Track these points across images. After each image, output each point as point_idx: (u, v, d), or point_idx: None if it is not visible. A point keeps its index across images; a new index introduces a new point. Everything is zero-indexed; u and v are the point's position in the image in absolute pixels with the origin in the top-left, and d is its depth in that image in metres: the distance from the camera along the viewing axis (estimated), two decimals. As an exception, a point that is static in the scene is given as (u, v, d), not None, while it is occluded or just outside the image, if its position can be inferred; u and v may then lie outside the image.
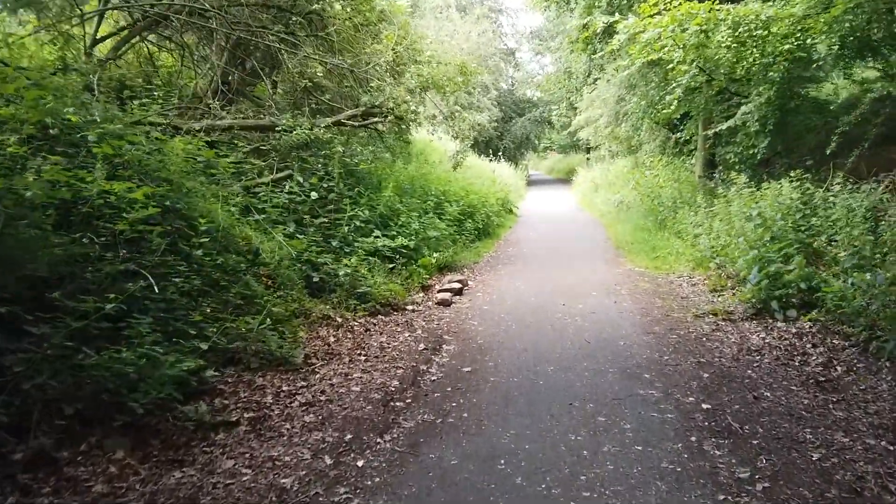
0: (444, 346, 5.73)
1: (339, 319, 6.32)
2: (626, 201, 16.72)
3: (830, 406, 4.13)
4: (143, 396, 3.78)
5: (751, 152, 10.00)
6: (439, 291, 7.77)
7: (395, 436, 3.90)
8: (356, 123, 9.13)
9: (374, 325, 6.37)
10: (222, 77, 9.36)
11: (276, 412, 4.20)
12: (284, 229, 7.25)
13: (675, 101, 10.13)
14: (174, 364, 3.98)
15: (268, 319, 5.36)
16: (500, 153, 31.15)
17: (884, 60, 9.66)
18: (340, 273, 6.88)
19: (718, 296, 7.39)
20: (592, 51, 14.08)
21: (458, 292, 7.83)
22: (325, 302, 6.73)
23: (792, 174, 8.11)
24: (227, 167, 7.48)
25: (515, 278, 8.84)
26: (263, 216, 7.14)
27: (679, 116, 16.48)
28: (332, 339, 5.79)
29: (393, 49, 9.42)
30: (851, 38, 8.32)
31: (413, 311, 7.02)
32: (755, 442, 3.66)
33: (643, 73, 13.27)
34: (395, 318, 6.70)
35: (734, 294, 7.29)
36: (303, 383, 4.71)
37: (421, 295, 7.69)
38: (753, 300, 6.50)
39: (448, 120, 10.93)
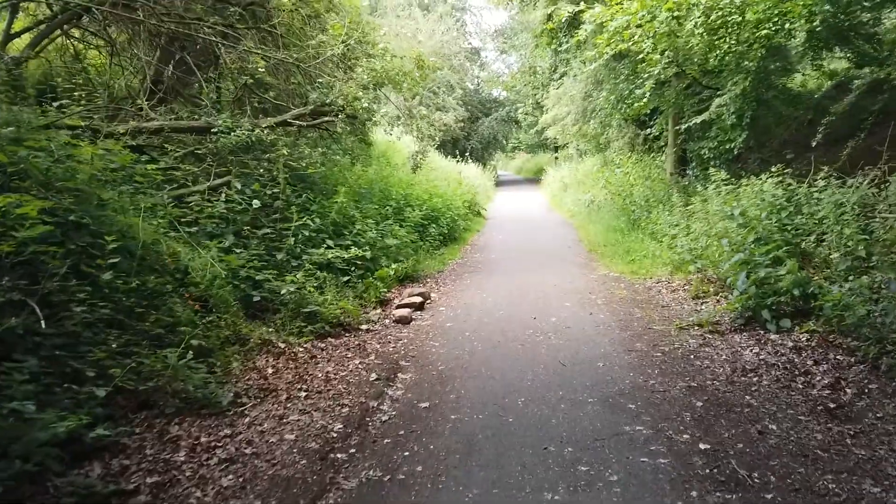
0: (399, 374, 5.00)
1: (282, 345, 5.54)
2: (596, 201, 16.21)
3: (848, 441, 3.51)
4: (6, 468, 2.97)
5: (726, 147, 9.50)
6: (398, 307, 7.04)
7: (331, 502, 3.16)
8: (305, 123, 8.34)
9: (322, 350, 5.61)
10: (155, 75, 8.51)
11: (187, 474, 3.41)
12: (221, 243, 6.45)
13: (647, 95, 9.55)
14: (48, 425, 3.17)
15: (190, 352, 4.56)
16: (467, 154, 30.56)
17: (855, 49, 9.24)
18: (284, 291, 6.10)
19: (702, 303, 6.81)
20: (557, 45, 13.50)
21: (420, 307, 7.10)
22: (267, 324, 5.95)
23: (773, 169, 7.57)
24: (155, 174, 6.67)
25: (482, 288, 8.16)
26: (196, 229, 6.33)
27: (648, 112, 16.03)
28: (270, 370, 5.02)
29: (343, 42, 8.65)
30: (827, 25, 7.86)
31: (368, 330, 6.27)
32: (769, 496, 3.01)
33: (611, 66, 12.72)
34: (347, 340, 5.94)
35: (719, 301, 6.72)
36: (227, 431, 3.93)
37: (378, 311, 6.95)
38: (742, 309, 5.91)
39: (407, 119, 10.15)
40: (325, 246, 7.26)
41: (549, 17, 12.36)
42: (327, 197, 8.24)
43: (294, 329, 5.89)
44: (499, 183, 35.85)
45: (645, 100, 9.77)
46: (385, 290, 7.54)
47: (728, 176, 7.69)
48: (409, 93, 9.90)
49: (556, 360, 5.11)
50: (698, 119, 9.48)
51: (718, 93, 9.54)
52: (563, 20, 10.60)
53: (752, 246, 6.43)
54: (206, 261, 5.89)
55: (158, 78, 8.61)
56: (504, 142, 44.32)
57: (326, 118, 8.40)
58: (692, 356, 5.13)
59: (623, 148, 19.21)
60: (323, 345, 5.74)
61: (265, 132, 7.66)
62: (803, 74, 10.55)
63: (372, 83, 8.33)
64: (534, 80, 15.86)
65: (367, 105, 8.13)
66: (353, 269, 7.44)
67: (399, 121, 9.90)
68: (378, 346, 5.73)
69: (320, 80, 8.32)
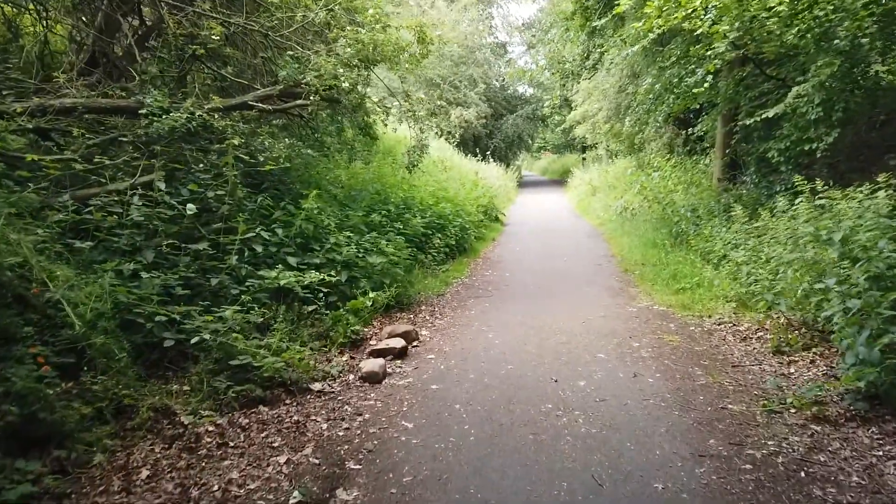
0: (339, 491, 3.20)
1: (185, 420, 3.79)
2: (630, 208, 14.26)
3: None
4: None
5: (804, 149, 7.51)
6: (371, 353, 5.25)
7: None
8: (271, 107, 6.60)
9: (242, 430, 3.84)
10: (99, 46, 6.89)
11: None
12: (133, 263, 4.74)
13: (707, 79, 7.64)
14: None
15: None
16: (488, 152, 28.72)
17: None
18: (207, 334, 4.36)
19: (789, 362, 4.91)
20: (591, 26, 11.56)
21: (401, 353, 5.30)
22: (176, 383, 4.22)
23: (880, 178, 5.61)
24: (51, 166, 5.02)
25: (488, 324, 6.33)
26: (90, 244, 4.64)
27: (694, 109, 14.05)
28: (145, 470, 3.27)
29: (327, 8, 6.90)
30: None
31: (320, 393, 4.50)
32: None
33: (654, 51, 10.79)
34: (285, 410, 4.17)
35: (815, 362, 4.81)
36: None
37: (343, 359, 5.16)
38: (863, 386, 4.00)
39: (404, 105, 8.34)
40: (279, 267, 5.49)
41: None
42: (296, 201, 6.49)
43: (210, 391, 4.14)
44: (522, 184, 33.95)
45: (706, 85, 7.83)
46: (359, 325, 5.76)
47: (823, 184, 5.75)
48: (407, 72, 8.08)
49: (588, 474, 3.27)
50: (769, 112, 7.51)
51: (798, 80, 7.58)
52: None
53: (868, 288, 4.51)
54: (94, 290, 4.19)
55: (103, 50, 6.98)
56: (529, 141, 42.39)
57: (299, 101, 6.65)
58: (802, 471, 3.25)
59: (661, 149, 17.22)
60: (247, 420, 3.97)
61: (215, 117, 5.95)
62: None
63: (357, 59, 6.55)
64: (562, 69, 13.93)
65: (348, 86, 6.34)
66: (320, 296, 5.67)
67: (397, 108, 8.08)
68: (324, 428, 3.92)
69: (291, 54, 6.56)
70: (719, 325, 6.05)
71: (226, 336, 4.43)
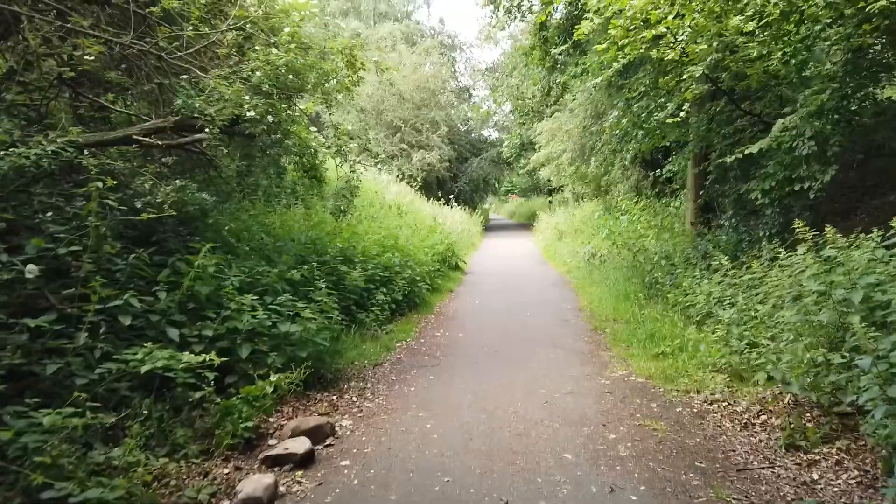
0: None
1: None
2: (598, 254, 13.27)
3: None
4: None
5: (795, 189, 6.56)
6: (263, 462, 3.95)
7: None
8: (162, 142, 5.40)
9: None
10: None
11: None
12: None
13: (685, 106, 6.73)
14: None
15: None
16: (453, 196, 27.84)
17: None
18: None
19: (810, 463, 3.77)
20: (551, 62, 10.72)
21: (305, 460, 4.00)
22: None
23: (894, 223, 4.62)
24: None
25: (428, 406, 5.09)
26: None
27: (661, 148, 13.29)
28: None
29: (236, 27, 5.80)
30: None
31: (174, 533, 3.18)
32: None
33: (618, 85, 9.97)
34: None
35: (842, 461, 3.68)
36: None
37: (226, 471, 3.85)
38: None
39: (332, 138, 7.21)
40: (147, 346, 4.19)
41: (542, 23, 9.64)
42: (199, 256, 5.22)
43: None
44: (489, 227, 33.13)
45: (682, 115, 6.90)
46: (257, 418, 4.46)
47: (834, 232, 4.73)
48: (336, 102, 6.95)
49: None
50: (753, 148, 6.58)
51: (784, 112, 6.72)
52: (553, 12, 7.89)
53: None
54: None
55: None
56: (496, 184, 41.89)
57: (199, 135, 5.46)
58: None
59: (628, 192, 16.44)
60: None
61: (84, 153, 4.73)
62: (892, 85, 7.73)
63: (269, 84, 5.42)
64: (522, 106, 13.09)
65: (255, 115, 5.19)
66: (210, 379, 4.37)
67: (325, 143, 6.94)
68: None
69: (185, 77, 5.42)
70: (711, 403, 4.91)
71: (38, 454, 3.12)
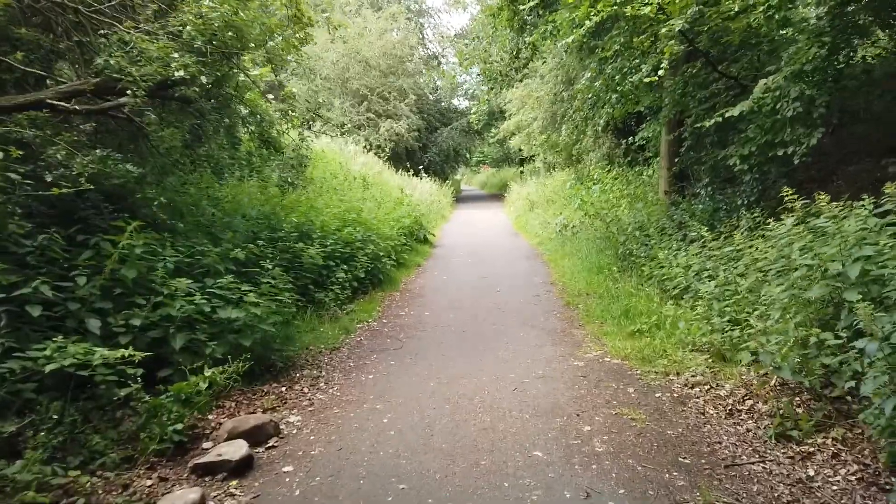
0: None
1: None
2: (570, 225, 12.89)
3: None
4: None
5: (779, 154, 6.18)
6: (192, 471, 3.47)
7: None
8: (81, 107, 4.76)
9: None
10: None
11: None
12: None
13: (664, 65, 6.28)
14: None
15: None
16: (422, 167, 27.20)
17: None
18: None
19: (804, 455, 3.42)
20: (520, 23, 10.13)
21: (242, 467, 3.52)
22: None
23: (888, 189, 4.25)
24: None
25: (386, 396, 4.64)
26: None
27: (633, 115, 12.91)
28: None
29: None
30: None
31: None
32: None
33: (589, 46, 9.46)
34: None
35: (840, 454, 3.34)
36: None
37: (149, 483, 3.36)
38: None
39: (279, 102, 6.59)
40: (57, 340, 3.64)
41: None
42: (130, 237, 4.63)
43: None
44: (460, 199, 32.66)
45: (661, 72, 6.43)
46: (191, 417, 3.96)
47: (828, 200, 4.36)
48: (282, 62, 6.31)
49: None
50: (734, 111, 6.15)
51: (768, 71, 6.31)
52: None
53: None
54: None
55: None
56: (467, 155, 41.21)
57: (124, 99, 4.82)
58: None
59: (600, 161, 16.06)
60: None
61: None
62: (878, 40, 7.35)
63: (203, 42, 4.79)
64: (490, 70, 12.48)
65: (183, 76, 4.56)
66: (137, 376, 3.85)
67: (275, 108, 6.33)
68: None
69: (105, 32, 4.76)
70: (692, 387, 4.55)
71: None
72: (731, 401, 4.25)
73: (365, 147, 23.16)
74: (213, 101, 5.66)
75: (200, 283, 4.99)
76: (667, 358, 5.11)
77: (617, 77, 7.69)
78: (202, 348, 4.50)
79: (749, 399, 4.22)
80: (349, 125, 24.93)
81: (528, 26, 10.11)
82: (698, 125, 7.31)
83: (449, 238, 15.40)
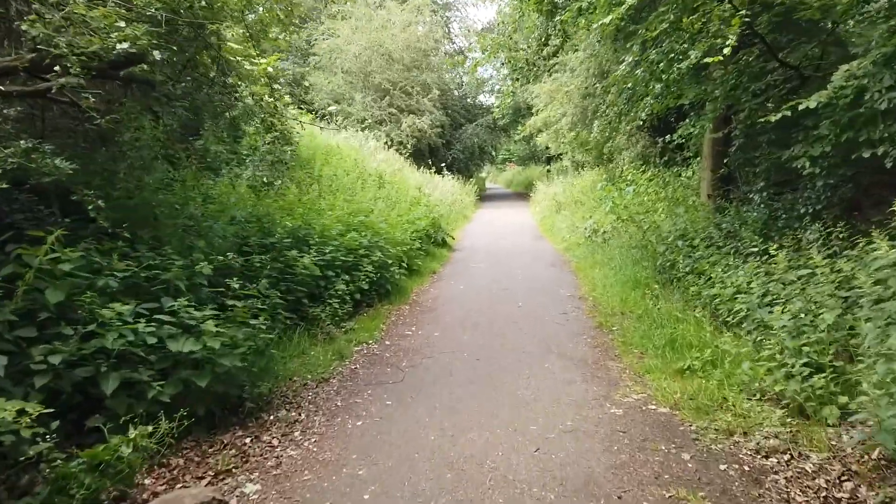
0: None
1: None
2: (600, 230, 11.81)
3: None
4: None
5: (865, 155, 5.08)
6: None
7: None
8: (7, 88, 3.90)
9: None
10: None
11: None
12: None
13: (730, 39, 5.23)
14: None
15: None
16: (444, 164, 26.28)
17: None
18: None
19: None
20: (550, 6, 9.08)
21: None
22: None
23: None
24: None
25: (372, 459, 3.69)
26: None
27: (671, 109, 11.72)
28: None
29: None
30: None
31: None
32: None
33: (626, 32, 8.39)
34: None
35: None
36: None
37: None
38: None
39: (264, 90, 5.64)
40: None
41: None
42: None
43: None
44: (485, 197, 31.69)
45: (727, 49, 5.36)
46: (111, 490, 3.06)
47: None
48: (260, 34, 5.33)
49: None
50: (811, 103, 5.05)
51: (830, 61, 5.22)
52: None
53: None
54: None
55: None
56: (493, 152, 40.10)
57: (65, 79, 3.94)
58: None
59: (634, 160, 14.91)
60: None
61: None
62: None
63: (158, 7, 3.90)
64: (515, 59, 11.41)
65: (124, 50, 3.67)
66: (49, 435, 2.97)
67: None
68: None
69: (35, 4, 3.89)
70: (767, 456, 3.51)
71: None
72: (822, 481, 3.21)
73: (386, 143, 22.30)
74: (183, 84, 4.76)
75: (155, 306, 4.09)
76: (729, 410, 4.06)
77: (662, 63, 6.61)
78: (145, 390, 3.60)
79: (847, 479, 3.18)
80: (370, 120, 24.08)
81: (558, 10, 9.05)
82: (760, 120, 6.19)
83: (470, 240, 14.43)
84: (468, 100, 34.61)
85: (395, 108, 25.28)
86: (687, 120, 12.10)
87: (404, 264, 8.97)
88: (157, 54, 3.86)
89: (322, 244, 6.95)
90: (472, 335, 6.31)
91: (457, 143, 31.00)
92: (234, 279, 4.57)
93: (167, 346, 3.77)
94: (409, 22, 26.77)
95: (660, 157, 14.02)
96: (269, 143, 5.47)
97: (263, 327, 4.49)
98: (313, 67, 25.66)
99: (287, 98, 8.32)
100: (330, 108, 20.21)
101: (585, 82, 14.95)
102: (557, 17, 9.11)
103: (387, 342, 6.16)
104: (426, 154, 26.53)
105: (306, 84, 24.59)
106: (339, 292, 6.67)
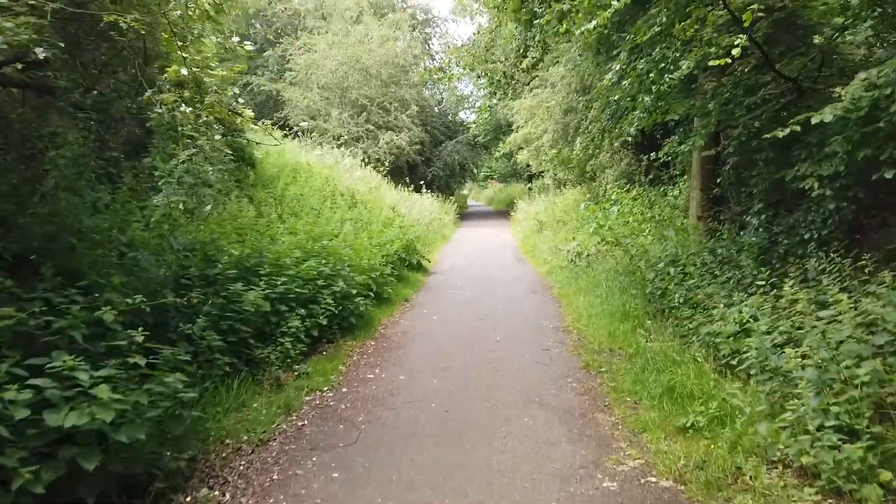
0: None
1: None
2: (584, 252, 11.14)
3: None
4: None
5: (888, 176, 4.45)
6: None
7: None
8: None
9: None
10: None
11: None
12: None
13: (739, 42, 4.60)
14: None
15: None
16: (425, 182, 25.65)
17: None
18: None
19: None
20: (529, 15, 8.46)
21: None
22: None
23: None
24: None
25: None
26: None
27: (658, 125, 11.14)
28: None
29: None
30: None
31: None
32: None
33: (609, 42, 7.81)
34: None
35: None
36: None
37: None
38: None
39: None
40: None
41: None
42: None
43: None
44: (466, 215, 31.06)
45: (736, 51, 4.72)
46: None
47: None
48: (188, 30, 4.57)
49: None
50: (826, 116, 4.41)
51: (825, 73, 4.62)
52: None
53: None
54: None
55: None
56: (474, 170, 39.56)
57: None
58: None
59: (618, 178, 14.35)
60: None
61: None
62: None
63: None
64: (491, 71, 10.76)
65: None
66: None
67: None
68: None
69: None
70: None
71: None
72: None
73: (363, 160, 21.59)
74: (95, 92, 4.00)
75: (42, 363, 3.29)
76: (747, 486, 3.34)
77: (653, 73, 5.97)
78: (12, 478, 2.79)
79: None
80: (346, 137, 23.38)
81: (537, 19, 8.45)
82: (766, 136, 5.55)
83: (448, 262, 13.71)
84: (448, 116, 34.10)
85: (372, 125, 24.61)
86: (674, 136, 11.54)
87: (373, 291, 8.19)
88: (40, 51, 3.10)
89: (275, 274, 6.17)
90: (443, 380, 5.55)
91: (437, 160, 30.38)
92: (139, 330, 3.75)
93: (45, 419, 2.97)
94: (388, 37, 26.21)
95: (645, 175, 13.47)
96: (184, 162, 4.66)
97: (181, 385, 3.68)
98: (289, 83, 24.95)
99: (249, 112, 7.67)
100: (302, 124, 19.49)
101: (567, 98, 14.41)
102: (536, 24, 8.51)
103: (344, 389, 5.37)
104: (405, 171, 25.87)
105: (281, 99, 23.91)
106: (293, 330, 5.88)
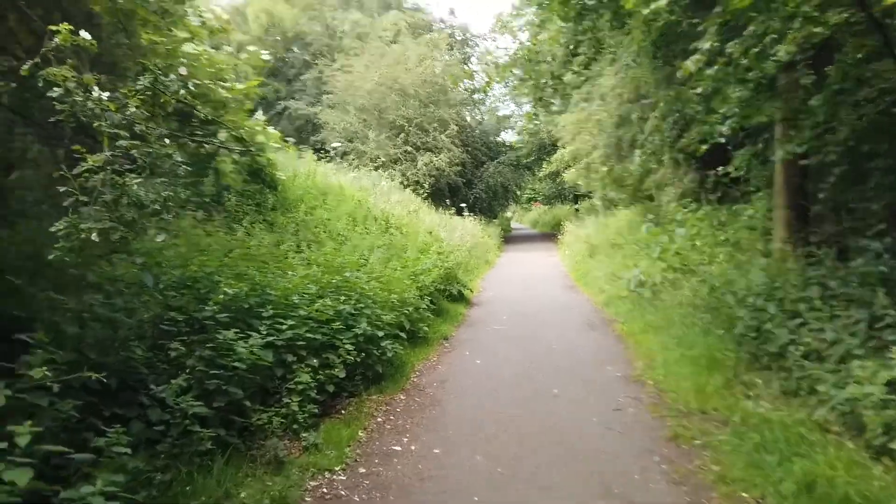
0: None
1: None
2: (648, 282, 9.73)
3: None
4: None
5: None
6: None
7: None
8: None
9: None
10: None
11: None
12: None
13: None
14: None
15: None
16: (466, 204, 24.55)
17: None
18: None
19: None
20: (579, 6, 7.23)
21: None
22: None
23: None
24: None
25: None
26: None
27: (729, 136, 9.70)
28: None
29: None
30: None
31: None
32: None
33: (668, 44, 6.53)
34: None
35: None
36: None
37: None
38: None
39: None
40: None
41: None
42: None
43: None
44: (510, 238, 29.80)
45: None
46: None
47: None
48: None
49: None
50: None
51: None
52: None
53: None
54: None
55: None
56: (517, 191, 38.28)
57: None
58: None
59: (680, 197, 12.87)
60: None
61: None
62: None
63: None
64: (536, 73, 9.50)
65: None
66: None
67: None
68: None
69: None
70: None
71: None
72: None
73: (402, 182, 20.66)
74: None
75: None
76: None
77: (752, 52, 4.65)
78: None
79: None
80: (384, 159, 22.54)
81: (588, 12, 7.24)
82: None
83: (492, 290, 12.47)
84: (490, 137, 33.00)
85: (410, 146, 23.72)
86: (746, 147, 10.11)
87: (405, 331, 7.01)
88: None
89: (281, 315, 5.06)
90: (488, 455, 4.29)
91: (479, 182, 29.27)
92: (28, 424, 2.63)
93: None
94: (425, 56, 25.39)
95: (712, 192, 11.98)
96: (99, 172, 3.53)
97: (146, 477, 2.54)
98: (327, 106, 24.37)
99: (275, 132, 6.93)
100: (335, 145, 18.69)
101: (619, 108, 13.11)
102: (586, 25, 7.29)
103: (361, 469, 4.16)
104: (446, 194, 24.88)
105: (319, 122, 23.33)
106: (302, 386, 4.73)
